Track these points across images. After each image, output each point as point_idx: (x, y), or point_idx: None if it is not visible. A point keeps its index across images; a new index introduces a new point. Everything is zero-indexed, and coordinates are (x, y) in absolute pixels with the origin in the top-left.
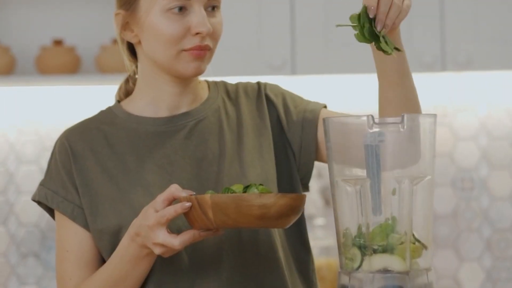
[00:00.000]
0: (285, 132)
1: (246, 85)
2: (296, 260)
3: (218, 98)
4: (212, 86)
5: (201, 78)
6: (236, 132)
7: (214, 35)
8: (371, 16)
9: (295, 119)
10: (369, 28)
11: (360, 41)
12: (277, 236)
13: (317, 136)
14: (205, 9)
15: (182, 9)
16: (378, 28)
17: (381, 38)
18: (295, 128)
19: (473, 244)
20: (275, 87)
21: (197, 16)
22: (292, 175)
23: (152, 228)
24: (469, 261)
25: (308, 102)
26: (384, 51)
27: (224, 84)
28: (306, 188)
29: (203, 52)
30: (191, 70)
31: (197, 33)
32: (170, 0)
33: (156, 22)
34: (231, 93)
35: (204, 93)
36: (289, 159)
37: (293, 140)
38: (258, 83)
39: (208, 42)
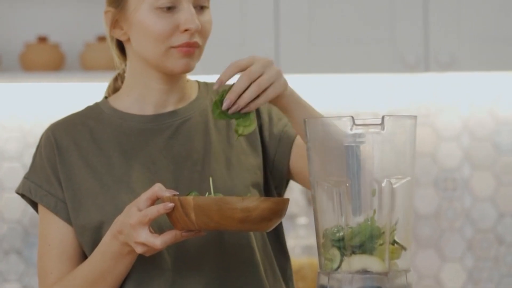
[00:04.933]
0: (265, 141)
1: None
2: (277, 266)
3: (207, 98)
4: (202, 86)
5: (192, 78)
6: (224, 133)
7: (203, 33)
8: (215, 87)
9: (275, 132)
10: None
11: (216, 118)
12: (257, 240)
13: (291, 152)
14: (194, 7)
15: (170, 6)
16: (223, 107)
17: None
18: (273, 140)
19: (455, 244)
20: None
21: (186, 13)
22: (268, 183)
23: (134, 227)
24: (451, 261)
25: None
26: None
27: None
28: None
29: (192, 49)
30: (180, 67)
31: (185, 30)
32: None
33: (145, 19)
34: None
35: (193, 93)
36: (266, 169)
37: (269, 151)
38: None
39: (197, 39)
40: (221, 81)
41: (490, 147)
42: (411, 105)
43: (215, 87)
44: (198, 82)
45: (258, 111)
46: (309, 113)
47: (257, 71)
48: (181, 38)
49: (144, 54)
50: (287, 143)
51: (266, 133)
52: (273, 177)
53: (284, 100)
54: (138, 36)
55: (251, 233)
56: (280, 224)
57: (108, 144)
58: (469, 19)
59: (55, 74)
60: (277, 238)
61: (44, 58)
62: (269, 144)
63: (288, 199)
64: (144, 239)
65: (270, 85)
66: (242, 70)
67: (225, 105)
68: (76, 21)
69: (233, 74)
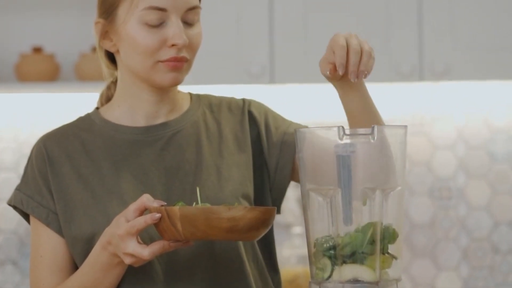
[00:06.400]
0: (264, 151)
1: (230, 101)
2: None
3: (198, 110)
4: (195, 98)
5: (185, 90)
6: (216, 145)
7: (191, 47)
8: (341, 73)
9: (275, 141)
10: None
11: None
12: (247, 249)
13: (295, 159)
14: (183, 21)
15: (159, 21)
16: (352, 79)
17: None
18: (273, 150)
19: (450, 253)
20: (259, 105)
21: (174, 28)
22: (264, 194)
23: (122, 238)
24: (446, 270)
25: (290, 123)
26: None
27: (208, 97)
28: (277, 210)
29: (179, 64)
30: (168, 80)
31: (173, 45)
32: (147, 12)
33: (133, 33)
34: (214, 106)
35: (185, 105)
36: (263, 179)
37: (270, 161)
38: (243, 100)
39: (184, 53)
40: (343, 66)
41: (485, 156)
42: (406, 114)
43: (341, 72)
44: (190, 94)
45: (254, 121)
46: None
47: (357, 43)
48: (169, 53)
49: (132, 67)
50: (289, 150)
51: (264, 143)
52: (274, 188)
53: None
54: (126, 49)
55: (240, 243)
56: (272, 238)
57: (99, 155)
58: (464, 28)
59: (50, 84)
60: (267, 252)
61: (39, 69)
62: (270, 154)
63: (275, 208)
64: (132, 250)
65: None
66: (347, 48)
67: (352, 78)
68: (71, 32)
69: (345, 56)
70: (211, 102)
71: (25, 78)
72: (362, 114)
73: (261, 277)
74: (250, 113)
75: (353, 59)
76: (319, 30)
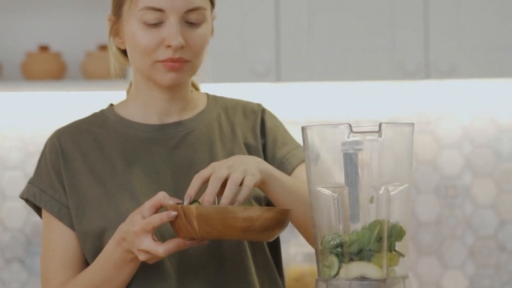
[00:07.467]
0: (267, 162)
1: (246, 105)
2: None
3: (214, 111)
4: (211, 99)
5: (202, 89)
6: (229, 147)
7: (192, 48)
8: (185, 202)
9: (278, 156)
10: None
11: None
12: (255, 248)
13: None
14: (185, 21)
15: (157, 20)
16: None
17: None
18: (274, 164)
19: (456, 251)
20: (273, 117)
21: (170, 29)
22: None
23: (138, 235)
24: (452, 269)
25: (297, 146)
26: None
27: (225, 99)
28: None
29: (177, 64)
30: (167, 80)
31: (168, 46)
32: (145, 11)
33: (133, 31)
34: (229, 109)
35: (201, 105)
36: None
37: None
38: (259, 105)
39: (182, 54)
40: (189, 195)
41: (490, 154)
42: (412, 113)
43: (185, 203)
44: (207, 94)
45: (264, 130)
46: (291, 189)
47: (223, 173)
48: (166, 53)
49: (135, 65)
50: (286, 171)
51: (269, 154)
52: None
53: (266, 185)
54: (129, 48)
55: (251, 244)
56: (278, 244)
57: (112, 151)
58: (469, 26)
59: (57, 83)
60: (274, 257)
61: (45, 67)
62: None
63: (290, 209)
64: (147, 246)
65: (244, 177)
66: (206, 180)
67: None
68: (77, 30)
69: (199, 186)
70: (227, 104)
71: (31, 77)
72: (286, 202)
73: (270, 279)
74: (263, 121)
75: (209, 188)
76: (325, 28)
